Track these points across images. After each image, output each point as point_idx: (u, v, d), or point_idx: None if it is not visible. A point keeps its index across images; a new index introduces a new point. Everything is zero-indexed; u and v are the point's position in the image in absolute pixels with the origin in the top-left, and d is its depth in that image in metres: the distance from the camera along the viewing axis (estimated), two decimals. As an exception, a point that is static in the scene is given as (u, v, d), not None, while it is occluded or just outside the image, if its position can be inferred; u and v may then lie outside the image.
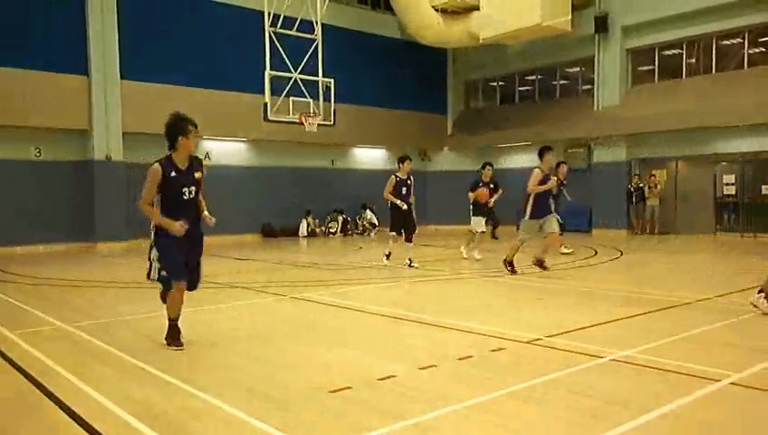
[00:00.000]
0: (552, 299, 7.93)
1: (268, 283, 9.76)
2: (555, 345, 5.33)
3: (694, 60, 19.53)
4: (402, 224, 11.28)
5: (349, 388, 4.19)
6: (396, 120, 23.35)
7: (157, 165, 5.17)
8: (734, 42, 18.63)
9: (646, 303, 7.34)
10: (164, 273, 5.24)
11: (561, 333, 5.75)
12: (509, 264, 9.96)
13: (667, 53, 20.11)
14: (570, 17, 19.69)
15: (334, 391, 4.11)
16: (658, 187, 19.89)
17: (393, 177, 11.23)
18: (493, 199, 12.68)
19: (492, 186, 12.68)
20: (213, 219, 5.55)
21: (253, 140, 20.40)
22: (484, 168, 12.83)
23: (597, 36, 20.52)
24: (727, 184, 19.26)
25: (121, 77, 17.41)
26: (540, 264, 9.77)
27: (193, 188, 5.30)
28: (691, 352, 5.08)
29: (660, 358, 4.85)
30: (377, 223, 22.34)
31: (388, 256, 11.65)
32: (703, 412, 3.70)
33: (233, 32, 19.02)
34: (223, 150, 20.13)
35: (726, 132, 18.22)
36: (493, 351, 5.15)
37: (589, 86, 21.73)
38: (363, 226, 22.41)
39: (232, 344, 5.61)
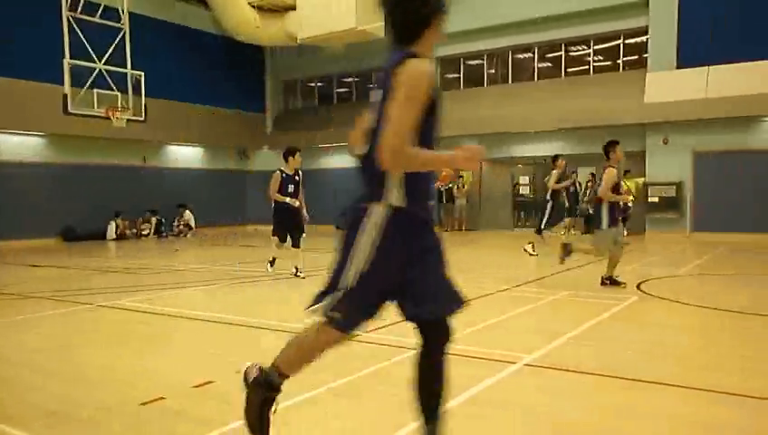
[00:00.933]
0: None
1: (72, 291, 8.94)
2: (374, 340, 5.53)
3: (494, 70, 21.37)
4: (289, 226, 9.82)
5: (162, 398, 3.99)
6: (213, 118, 22.67)
7: (427, 66, 2.61)
8: (527, 56, 20.69)
9: (454, 295, 7.88)
10: (336, 313, 2.79)
11: (379, 328, 5.97)
12: (610, 280, 8.50)
13: (471, 63, 21.77)
14: (384, 23, 20.47)
15: (146, 403, 3.90)
16: (465, 187, 21.46)
17: (278, 173, 9.76)
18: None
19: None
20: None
21: (51, 134, 18.56)
22: None
23: (409, 43, 21.60)
24: (523, 184, 21.42)
25: None
26: (612, 281, 8.50)
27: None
28: (492, 339, 5.58)
29: (466, 346, 5.24)
30: (194, 224, 21.52)
31: (272, 263, 10.24)
32: (503, 392, 4.08)
33: (27, 14, 17.18)
34: (15, 145, 18.08)
35: (521, 137, 20.18)
36: (313, 349, 5.21)
37: (402, 90, 22.77)
38: (180, 227, 21.42)
39: (31, 362, 5.07)
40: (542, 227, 12.38)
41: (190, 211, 21.55)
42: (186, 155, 23.11)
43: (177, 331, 6.36)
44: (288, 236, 9.92)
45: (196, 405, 3.90)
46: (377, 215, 2.63)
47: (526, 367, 4.61)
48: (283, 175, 9.72)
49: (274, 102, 26.00)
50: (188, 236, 21.00)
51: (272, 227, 9.99)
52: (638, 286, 8.44)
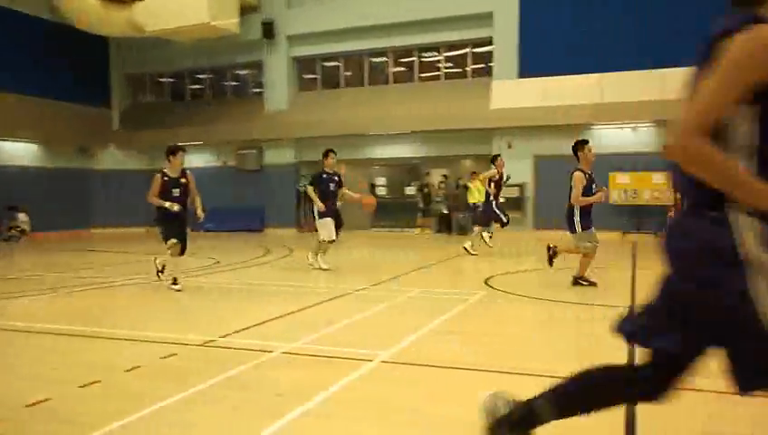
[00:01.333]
0: (225, 299, 7.99)
1: None
2: (229, 345, 5.39)
3: (350, 73, 21.66)
4: (178, 231, 8.57)
5: (-10, 421, 3.61)
6: (50, 112, 20.84)
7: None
8: (382, 60, 21.20)
9: (313, 295, 7.89)
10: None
11: (235, 332, 5.83)
12: (582, 279, 8.38)
13: (328, 64, 21.92)
14: (238, 20, 20.04)
15: (-30, 428, 3.51)
16: (323, 187, 21.51)
17: (158, 175, 8.52)
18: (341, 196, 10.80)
19: (337, 178, 10.59)
20: None
21: None
22: (326, 156, 10.55)
23: (264, 42, 21.31)
24: (379, 185, 21.94)
25: None
26: (585, 280, 8.39)
27: None
28: (350, 337, 5.65)
29: (325, 346, 5.27)
30: (29, 228, 19.63)
31: (161, 271, 9.07)
32: (360, 390, 4.14)
33: None
34: None
35: (377, 139, 20.63)
36: (163, 358, 4.97)
37: (259, 89, 22.44)
38: (12, 231, 19.37)
39: None
40: (505, 222, 12.55)
41: (25, 213, 19.63)
42: (17, 152, 21.00)
43: (9, 345, 5.77)
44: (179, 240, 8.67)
45: (26, 426, 3.57)
46: (744, 227, 1.90)
47: (383, 364, 4.72)
48: (165, 177, 8.50)
49: (122, 97, 24.44)
50: (23, 241, 19.11)
51: (162, 234, 8.63)
52: (485, 281, 8.94)
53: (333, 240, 10.48)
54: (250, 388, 4.19)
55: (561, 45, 17.97)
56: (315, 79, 22.12)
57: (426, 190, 20.06)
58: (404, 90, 20.44)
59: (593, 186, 8.05)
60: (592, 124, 17.86)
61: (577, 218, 8.08)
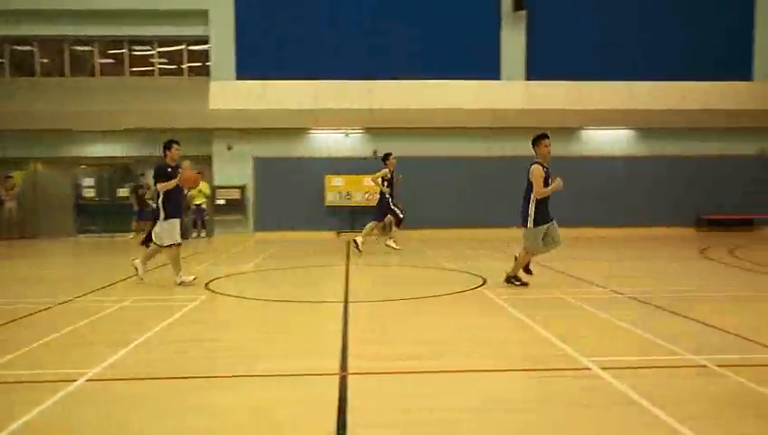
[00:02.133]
0: None
1: None
2: None
3: (47, 60, 19.35)
4: None
5: None
6: None
7: None
8: (87, 49, 19.36)
9: (4, 312, 6.86)
10: None
11: None
12: (516, 278, 8.38)
13: (20, 48, 19.29)
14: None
15: None
16: (15, 189, 18.88)
17: None
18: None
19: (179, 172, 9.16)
20: None
21: None
22: (169, 147, 9.11)
23: (-69, 15, 17.94)
24: (87, 187, 20.00)
25: None
26: (517, 278, 8.40)
27: None
28: (50, 357, 5.04)
29: (17, 370, 4.62)
30: None
31: None
32: (63, 414, 3.71)
33: None
34: None
35: (84, 136, 18.78)
36: None
37: (-77, 72, 18.78)
38: None
39: None
40: (401, 217, 12.88)
41: None
42: None
43: None
44: None
45: None
46: None
47: (90, 383, 4.30)
48: None
49: None
50: None
51: None
52: (206, 285, 8.74)
53: (180, 243, 9.04)
54: None
55: (277, 50, 18.45)
56: (2, 64, 19.26)
57: (140, 192, 18.80)
58: (114, 84, 18.93)
59: (548, 179, 8.07)
60: (310, 128, 18.64)
61: (532, 213, 8.04)
